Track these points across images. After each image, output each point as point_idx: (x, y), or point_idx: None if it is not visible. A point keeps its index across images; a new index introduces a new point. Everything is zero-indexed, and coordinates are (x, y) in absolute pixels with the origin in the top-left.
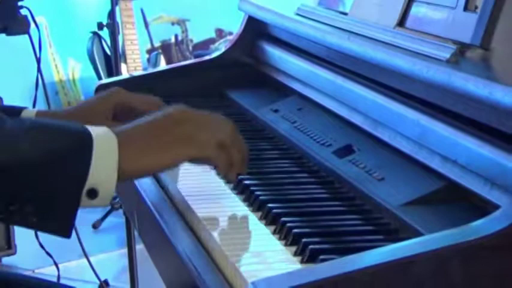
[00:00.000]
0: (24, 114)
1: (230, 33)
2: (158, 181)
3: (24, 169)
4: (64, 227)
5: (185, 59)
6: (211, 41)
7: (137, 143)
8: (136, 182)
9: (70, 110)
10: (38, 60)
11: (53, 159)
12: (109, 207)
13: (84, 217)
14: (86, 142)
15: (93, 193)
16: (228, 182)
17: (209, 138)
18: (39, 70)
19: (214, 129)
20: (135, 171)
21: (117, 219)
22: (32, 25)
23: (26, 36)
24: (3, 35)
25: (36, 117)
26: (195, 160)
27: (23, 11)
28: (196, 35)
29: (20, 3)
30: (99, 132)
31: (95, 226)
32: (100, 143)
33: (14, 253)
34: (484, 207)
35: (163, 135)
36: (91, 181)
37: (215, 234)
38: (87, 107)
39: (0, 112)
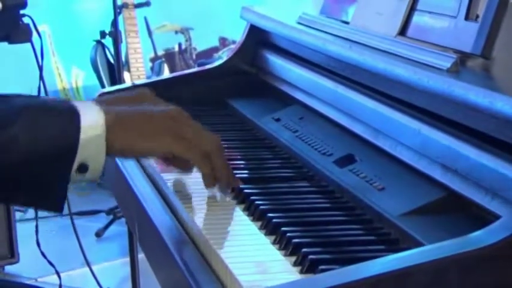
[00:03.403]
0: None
1: (234, 42)
2: (159, 191)
3: (13, 146)
4: (56, 202)
5: (188, 67)
6: (215, 49)
7: (129, 123)
8: (137, 191)
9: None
10: (40, 69)
11: (42, 135)
12: (112, 216)
13: (87, 226)
14: (73, 117)
15: (83, 168)
16: (222, 192)
17: (197, 143)
18: (41, 78)
19: (203, 138)
20: (122, 148)
21: (120, 228)
22: (35, 33)
23: (29, 44)
24: (6, 43)
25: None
26: (177, 159)
27: (26, 20)
28: (200, 44)
29: (22, 12)
30: (84, 107)
31: (98, 235)
32: (86, 117)
33: (17, 261)
34: (484, 218)
35: (157, 124)
36: (81, 156)
37: (215, 244)
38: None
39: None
